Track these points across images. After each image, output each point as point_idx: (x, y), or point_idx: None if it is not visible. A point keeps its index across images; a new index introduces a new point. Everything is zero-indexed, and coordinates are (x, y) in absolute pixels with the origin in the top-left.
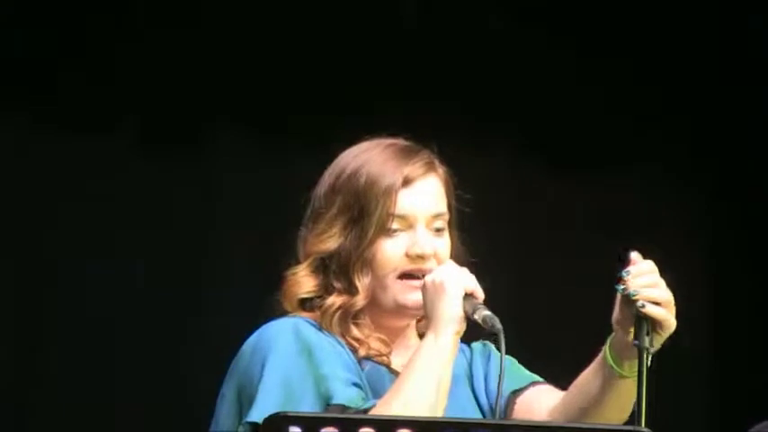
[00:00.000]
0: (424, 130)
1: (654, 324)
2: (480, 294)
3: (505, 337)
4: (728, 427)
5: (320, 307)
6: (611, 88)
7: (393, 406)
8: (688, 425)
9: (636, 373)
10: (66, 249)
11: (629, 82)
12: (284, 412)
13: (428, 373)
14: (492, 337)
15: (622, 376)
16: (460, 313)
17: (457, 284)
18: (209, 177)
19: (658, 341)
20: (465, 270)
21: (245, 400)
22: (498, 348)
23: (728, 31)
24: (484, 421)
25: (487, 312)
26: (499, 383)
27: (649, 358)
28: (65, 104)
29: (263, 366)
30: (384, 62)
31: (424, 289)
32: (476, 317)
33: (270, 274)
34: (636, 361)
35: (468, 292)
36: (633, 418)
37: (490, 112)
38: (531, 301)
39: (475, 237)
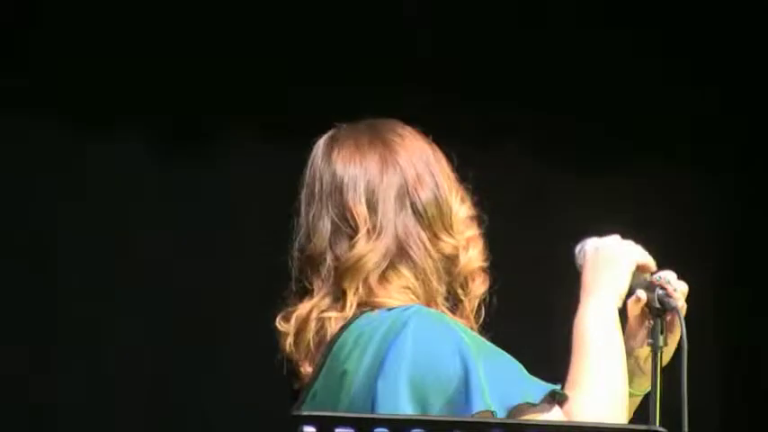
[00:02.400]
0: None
1: (668, 323)
2: (652, 266)
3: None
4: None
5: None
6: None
7: (593, 390)
8: (702, 425)
9: (643, 391)
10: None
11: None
12: (298, 412)
13: (612, 348)
14: (659, 316)
15: (632, 395)
16: (626, 289)
17: (629, 255)
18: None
19: (673, 340)
20: (631, 242)
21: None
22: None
23: None
24: (502, 421)
25: (662, 291)
26: (681, 369)
27: (662, 357)
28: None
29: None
30: (384, 56)
31: (583, 257)
32: (648, 293)
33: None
34: (644, 377)
35: (641, 264)
36: (648, 418)
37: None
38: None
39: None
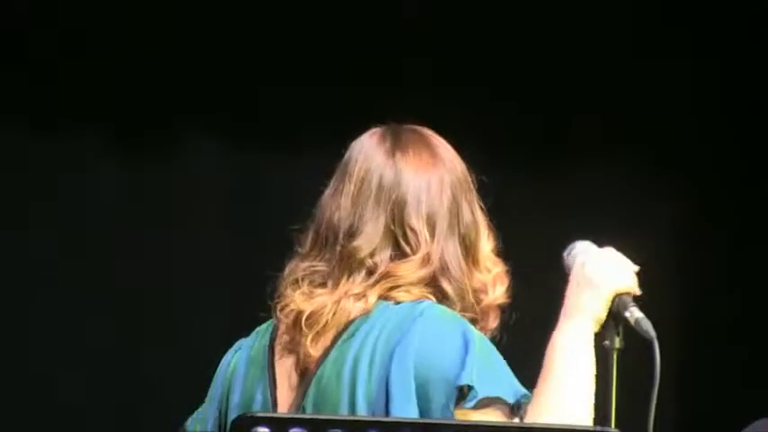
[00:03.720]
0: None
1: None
2: (635, 291)
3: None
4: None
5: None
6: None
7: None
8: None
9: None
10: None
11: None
12: (251, 412)
13: (582, 369)
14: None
15: None
16: (603, 314)
17: (611, 281)
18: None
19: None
20: (622, 260)
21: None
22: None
23: None
24: (454, 422)
25: (641, 315)
26: (651, 394)
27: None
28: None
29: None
30: (385, 56)
31: (568, 267)
32: (626, 315)
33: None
34: None
35: (622, 292)
36: (603, 419)
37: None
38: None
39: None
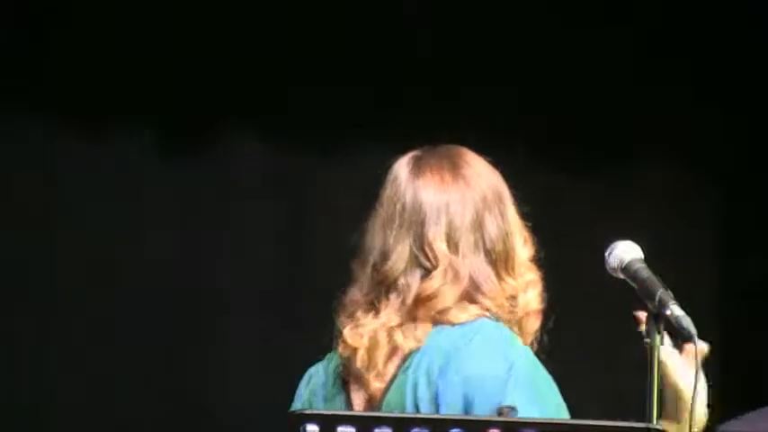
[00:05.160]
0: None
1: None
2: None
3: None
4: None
5: None
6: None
7: None
8: None
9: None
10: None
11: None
12: (301, 410)
13: None
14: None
15: None
16: None
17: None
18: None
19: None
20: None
21: None
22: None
23: None
24: (500, 420)
25: (681, 312)
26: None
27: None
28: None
29: None
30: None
31: (610, 267)
32: (667, 313)
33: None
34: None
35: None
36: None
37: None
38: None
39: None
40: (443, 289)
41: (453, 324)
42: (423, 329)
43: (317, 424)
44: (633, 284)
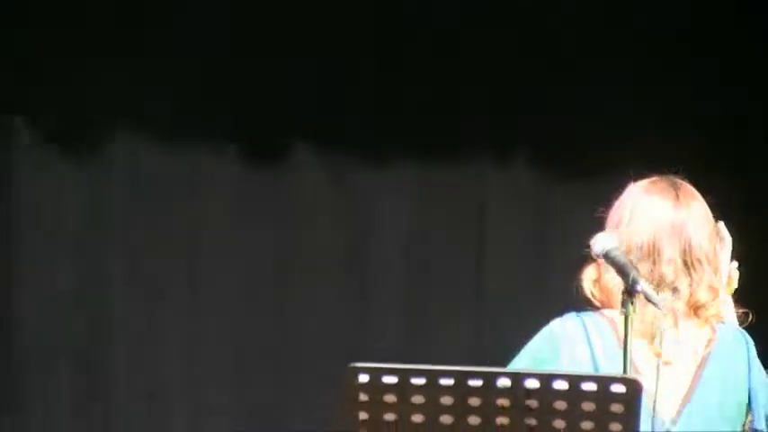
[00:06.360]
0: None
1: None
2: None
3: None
4: None
5: None
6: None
7: None
8: None
9: None
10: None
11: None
12: (356, 364)
13: None
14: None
15: None
16: None
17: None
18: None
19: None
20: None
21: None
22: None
23: None
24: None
25: (648, 288)
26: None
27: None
28: None
29: None
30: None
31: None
32: (638, 288)
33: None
34: None
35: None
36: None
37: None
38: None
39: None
40: (708, 296)
41: (723, 323)
42: (708, 326)
43: (368, 374)
44: (612, 267)
